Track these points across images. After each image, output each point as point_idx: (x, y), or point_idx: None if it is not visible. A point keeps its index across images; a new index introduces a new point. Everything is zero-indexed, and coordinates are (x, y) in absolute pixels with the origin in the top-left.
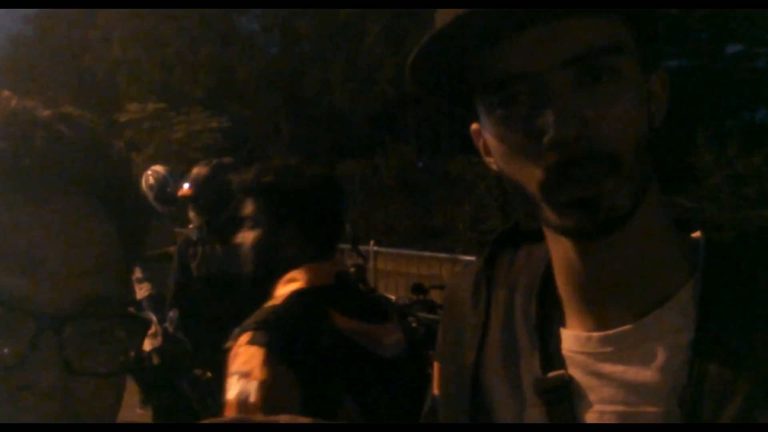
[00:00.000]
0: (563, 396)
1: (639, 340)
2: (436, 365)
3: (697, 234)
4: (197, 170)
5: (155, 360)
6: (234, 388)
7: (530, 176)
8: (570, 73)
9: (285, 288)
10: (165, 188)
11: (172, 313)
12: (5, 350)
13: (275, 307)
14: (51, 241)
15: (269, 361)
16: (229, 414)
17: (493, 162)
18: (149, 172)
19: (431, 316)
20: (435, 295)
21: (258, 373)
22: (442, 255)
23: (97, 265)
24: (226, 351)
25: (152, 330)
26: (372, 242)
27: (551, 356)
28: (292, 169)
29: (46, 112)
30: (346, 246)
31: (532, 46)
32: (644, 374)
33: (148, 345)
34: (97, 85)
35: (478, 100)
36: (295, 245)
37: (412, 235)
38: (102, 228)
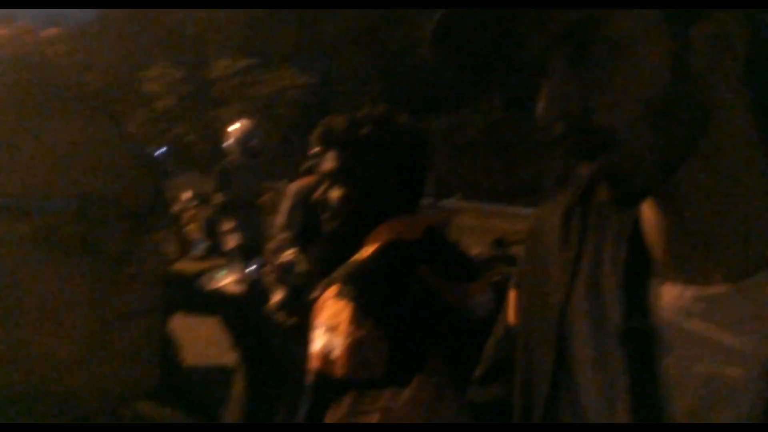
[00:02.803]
0: (646, 347)
1: (734, 303)
2: (513, 294)
3: None
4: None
5: (241, 306)
6: (319, 341)
7: None
8: (558, 52)
9: (374, 241)
10: (250, 141)
11: (257, 262)
12: (112, 244)
13: (363, 261)
14: (116, 149)
15: (356, 317)
16: (314, 365)
17: None
18: (235, 127)
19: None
20: (517, 251)
21: (344, 327)
22: (528, 210)
23: (145, 174)
24: (313, 302)
25: (239, 276)
26: (456, 197)
27: (638, 304)
28: (386, 119)
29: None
30: (429, 200)
31: (525, 29)
32: (734, 337)
33: (235, 291)
34: (186, 43)
35: None
36: (386, 199)
37: (498, 190)
38: (127, 145)
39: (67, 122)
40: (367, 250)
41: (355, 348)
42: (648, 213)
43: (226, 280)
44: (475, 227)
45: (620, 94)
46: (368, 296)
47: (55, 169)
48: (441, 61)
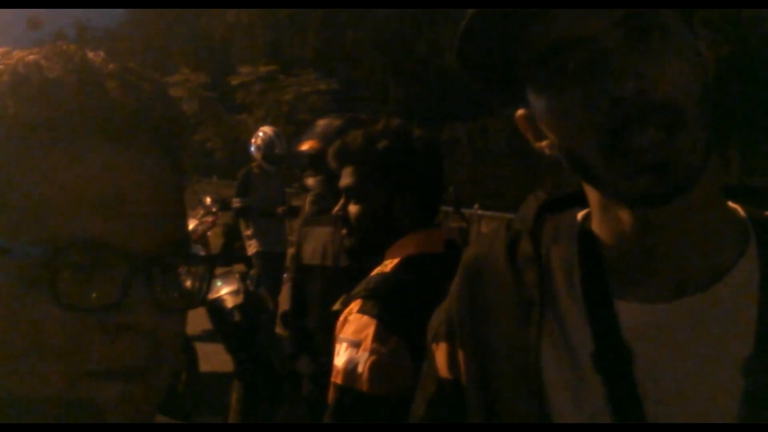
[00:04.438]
0: (624, 369)
1: (705, 310)
2: (444, 346)
3: (732, 204)
4: (328, 122)
5: (237, 317)
6: (343, 356)
7: (592, 144)
8: (621, 32)
9: (394, 256)
10: (273, 149)
11: (253, 272)
12: (102, 293)
13: (385, 276)
14: (137, 187)
15: (380, 332)
16: (337, 380)
17: (545, 146)
18: (258, 134)
19: None
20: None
21: (368, 343)
22: None
23: (172, 210)
24: (333, 315)
25: (235, 287)
26: (477, 205)
27: (606, 328)
28: (401, 133)
29: (113, 66)
30: (449, 209)
31: (582, 10)
32: (711, 345)
33: (230, 302)
34: (212, 49)
35: (529, 78)
36: (406, 213)
37: (519, 199)
38: (170, 177)
39: (99, 157)
40: (387, 265)
41: (379, 364)
42: (613, 236)
43: (223, 290)
44: None
45: (682, 75)
46: (392, 312)
47: (56, 208)
48: (470, 62)
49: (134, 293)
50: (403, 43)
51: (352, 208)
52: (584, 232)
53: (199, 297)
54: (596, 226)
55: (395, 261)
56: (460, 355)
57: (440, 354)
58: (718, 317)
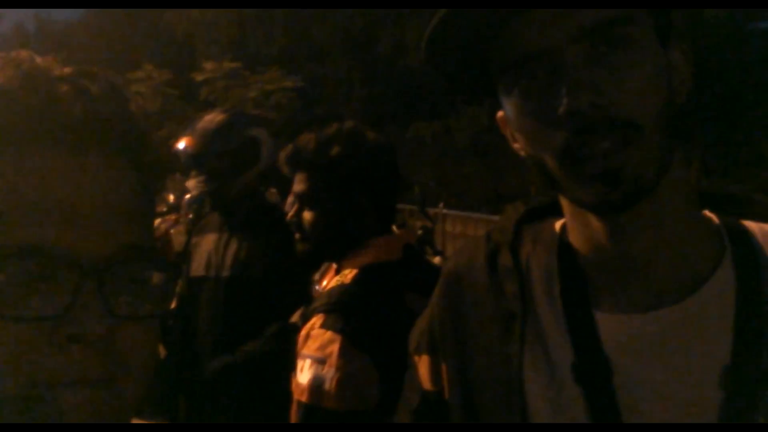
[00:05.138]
0: (604, 380)
1: (683, 321)
2: (426, 359)
3: (707, 212)
4: (210, 117)
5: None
6: (307, 373)
7: (550, 151)
8: (582, 46)
9: (351, 265)
10: None
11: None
12: (50, 302)
13: (346, 288)
14: (87, 192)
15: (347, 349)
16: (302, 398)
17: (520, 148)
18: None
19: None
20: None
21: (335, 360)
22: None
23: (129, 214)
24: (292, 329)
25: None
26: (441, 204)
27: (586, 339)
28: (355, 137)
29: (67, 69)
30: (414, 208)
31: (544, 22)
32: (689, 356)
33: None
34: (176, 45)
35: (498, 84)
36: (361, 219)
37: (483, 198)
38: (128, 179)
39: (49, 161)
40: (347, 275)
41: (348, 380)
42: (588, 244)
43: None
44: (459, 234)
45: (641, 90)
46: (356, 325)
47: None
48: (438, 63)
49: (85, 302)
50: (368, 42)
51: (306, 215)
52: (563, 241)
53: (166, 303)
54: (572, 236)
55: (354, 271)
56: (443, 369)
57: (423, 366)
58: (694, 329)
